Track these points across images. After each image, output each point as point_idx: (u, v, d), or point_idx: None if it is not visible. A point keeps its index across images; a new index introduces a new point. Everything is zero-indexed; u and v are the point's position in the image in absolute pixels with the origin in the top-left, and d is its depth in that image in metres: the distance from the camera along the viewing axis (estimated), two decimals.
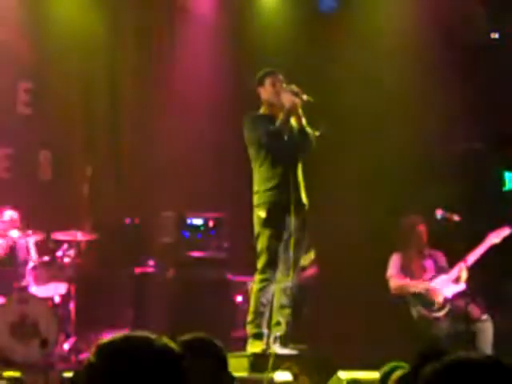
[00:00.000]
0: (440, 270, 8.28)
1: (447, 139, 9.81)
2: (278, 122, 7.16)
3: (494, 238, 8.11)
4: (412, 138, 9.66)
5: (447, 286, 8.15)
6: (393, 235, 8.61)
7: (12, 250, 8.79)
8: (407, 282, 8.23)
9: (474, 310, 8.03)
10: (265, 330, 7.39)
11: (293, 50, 10.02)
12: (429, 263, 8.36)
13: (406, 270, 8.30)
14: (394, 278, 8.27)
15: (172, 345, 2.18)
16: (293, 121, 7.24)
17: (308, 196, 7.27)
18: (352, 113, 10.00)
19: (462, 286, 8.11)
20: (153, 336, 2.18)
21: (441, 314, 8.07)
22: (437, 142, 9.85)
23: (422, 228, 8.37)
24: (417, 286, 8.19)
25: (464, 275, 8.04)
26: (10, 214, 8.89)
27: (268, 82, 7.37)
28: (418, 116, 9.85)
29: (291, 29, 10.18)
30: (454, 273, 8.14)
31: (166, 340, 2.19)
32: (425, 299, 8.15)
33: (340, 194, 9.88)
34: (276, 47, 10.03)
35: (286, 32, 10.16)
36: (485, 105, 9.74)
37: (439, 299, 8.10)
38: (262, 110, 7.43)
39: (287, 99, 7.14)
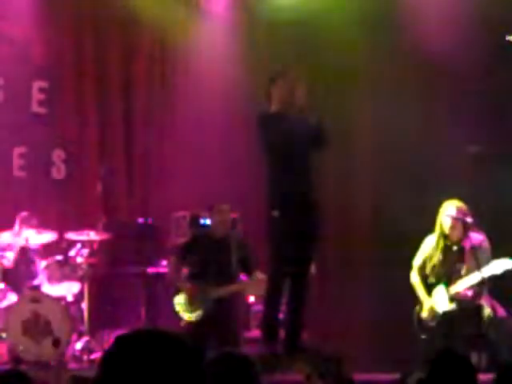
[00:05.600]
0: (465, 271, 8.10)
1: (461, 140, 9.76)
2: (289, 119, 7.19)
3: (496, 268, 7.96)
4: (425, 137, 9.64)
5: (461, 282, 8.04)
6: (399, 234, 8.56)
7: (24, 248, 8.77)
8: (419, 288, 8.11)
9: (497, 309, 7.94)
10: (278, 331, 7.38)
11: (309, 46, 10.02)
12: (459, 261, 8.15)
13: (430, 258, 8.12)
14: (414, 271, 8.15)
15: (189, 342, 2.17)
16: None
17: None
18: (363, 108, 10.01)
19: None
20: (173, 332, 2.17)
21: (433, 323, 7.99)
22: (450, 143, 9.80)
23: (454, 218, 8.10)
24: (422, 296, 8.10)
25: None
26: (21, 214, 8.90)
27: (281, 79, 7.37)
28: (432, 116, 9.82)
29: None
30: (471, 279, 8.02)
31: (183, 337, 2.18)
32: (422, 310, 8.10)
33: (350, 190, 9.89)
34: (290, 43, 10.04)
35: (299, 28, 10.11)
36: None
37: (432, 314, 8.02)
38: (273, 108, 7.42)
39: (300, 96, 7.17)
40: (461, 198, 8.08)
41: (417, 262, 8.20)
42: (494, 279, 7.88)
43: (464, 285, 7.95)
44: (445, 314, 7.93)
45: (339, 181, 10.04)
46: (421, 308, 8.05)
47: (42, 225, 8.85)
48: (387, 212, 9.47)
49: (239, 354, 3.40)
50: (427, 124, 9.61)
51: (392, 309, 8.89)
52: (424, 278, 8.20)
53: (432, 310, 7.98)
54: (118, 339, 2.17)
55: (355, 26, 9.82)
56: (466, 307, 7.97)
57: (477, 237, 8.10)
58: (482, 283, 7.86)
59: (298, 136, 7.18)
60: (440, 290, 8.02)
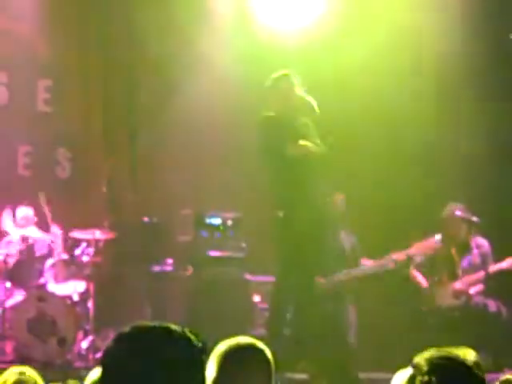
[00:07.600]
0: (470, 269, 8.15)
1: (462, 141, 9.77)
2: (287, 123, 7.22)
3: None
4: (429, 138, 9.64)
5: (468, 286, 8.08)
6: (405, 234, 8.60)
7: (30, 247, 8.79)
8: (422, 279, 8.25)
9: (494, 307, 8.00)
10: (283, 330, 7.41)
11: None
12: (466, 259, 8.21)
13: (432, 257, 8.23)
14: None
15: (192, 336, 2.15)
16: None
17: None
18: (366, 115, 9.98)
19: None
20: (174, 326, 2.16)
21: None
22: (451, 145, 9.81)
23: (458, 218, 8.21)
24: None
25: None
26: (24, 211, 8.92)
27: (282, 84, 7.38)
28: (437, 116, 9.81)
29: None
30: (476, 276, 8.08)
31: (187, 331, 2.16)
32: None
33: (355, 194, 9.86)
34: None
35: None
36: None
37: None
38: (273, 111, 7.43)
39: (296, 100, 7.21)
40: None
41: (416, 259, 8.26)
42: (499, 277, 7.94)
43: (468, 281, 8.02)
44: (448, 311, 7.99)
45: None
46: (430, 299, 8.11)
47: (46, 223, 8.89)
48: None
49: (246, 342, 3.38)
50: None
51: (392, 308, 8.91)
52: (425, 275, 8.28)
53: (446, 289, 8.05)
54: (120, 334, 2.17)
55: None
56: (471, 306, 8.01)
57: (482, 241, 8.19)
58: (488, 279, 7.96)
59: (296, 138, 7.20)
60: (445, 287, 8.07)
